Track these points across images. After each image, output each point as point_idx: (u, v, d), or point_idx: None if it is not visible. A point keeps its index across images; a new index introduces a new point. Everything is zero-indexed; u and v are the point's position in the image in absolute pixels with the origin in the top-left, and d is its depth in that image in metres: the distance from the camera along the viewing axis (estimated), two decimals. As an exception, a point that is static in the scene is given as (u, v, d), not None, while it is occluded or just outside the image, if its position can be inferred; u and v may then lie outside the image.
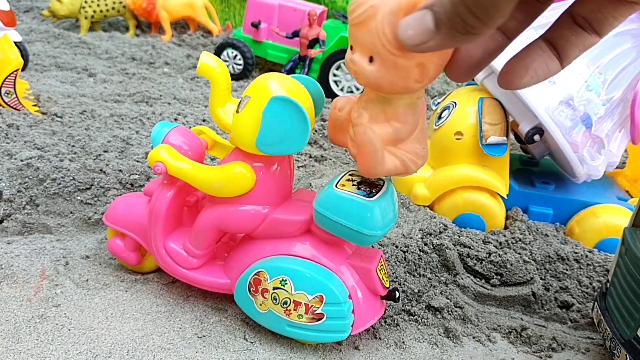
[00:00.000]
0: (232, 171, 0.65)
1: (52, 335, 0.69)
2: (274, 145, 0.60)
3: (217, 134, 0.83)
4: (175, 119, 1.26)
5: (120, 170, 1.00)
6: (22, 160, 0.99)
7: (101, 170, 0.99)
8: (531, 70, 0.40)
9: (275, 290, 0.67)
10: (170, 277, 0.82)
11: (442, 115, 1.03)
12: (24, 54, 1.47)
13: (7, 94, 1.19)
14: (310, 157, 1.21)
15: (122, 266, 0.84)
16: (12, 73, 1.17)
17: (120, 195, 0.97)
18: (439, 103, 1.09)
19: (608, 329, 0.67)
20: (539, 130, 0.93)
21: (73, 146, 1.08)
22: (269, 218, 0.68)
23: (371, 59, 0.48)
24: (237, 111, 0.63)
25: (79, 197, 0.96)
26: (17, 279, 0.79)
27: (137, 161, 1.04)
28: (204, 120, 1.28)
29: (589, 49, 0.40)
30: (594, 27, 0.38)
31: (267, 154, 0.62)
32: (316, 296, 0.66)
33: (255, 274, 0.69)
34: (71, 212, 0.95)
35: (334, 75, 1.53)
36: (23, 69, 1.49)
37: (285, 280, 0.67)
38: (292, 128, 0.58)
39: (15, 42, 1.40)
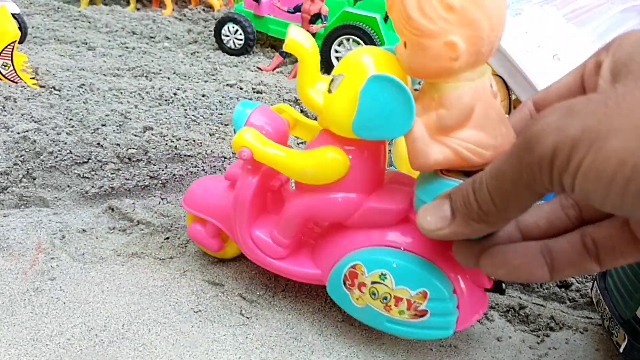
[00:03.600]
0: (325, 156, 0.60)
1: (46, 308, 0.69)
2: (373, 129, 0.53)
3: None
4: (175, 94, 1.25)
5: (117, 144, 0.99)
6: (18, 133, 0.98)
7: (98, 144, 0.98)
8: (513, 268, 0.41)
9: (374, 285, 0.62)
10: (168, 253, 0.82)
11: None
12: (22, 27, 1.46)
13: (4, 66, 1.18)
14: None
15: (119, 241, 0.84)
16: (8, 45, 1.16)
17: (119, 168, 0.97)
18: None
19: (607, 308, 0.67)
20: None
21: (71, 119, 1.07)
22: (363, 207, 0.62)
23: (405, 44, 0.48)
24: (329, 91, 0.57)
25: (76, 171, 0.95)
26: (12, 252, 0.79)
27: (135, 135, 1.02)
28: (203, 96, 1.26)
29: (582, 273, 0.41)
30: (599, 254, 0.38)
31: (364, 138, 0.55)
32: (419, 292, 0.60)
33: (352, 267, 0.63)
34: (68, 186, 0.94)
35: (336, 51, 1.51)
36: (21, 42, 1.47)
37: (385, 274, 0.61)
38: (394, 110, 0.50)
39: (13, 14, 1.39)
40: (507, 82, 0.96)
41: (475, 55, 0.45)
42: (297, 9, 1.51)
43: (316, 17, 1.49)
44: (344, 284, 0.64)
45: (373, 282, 0.62)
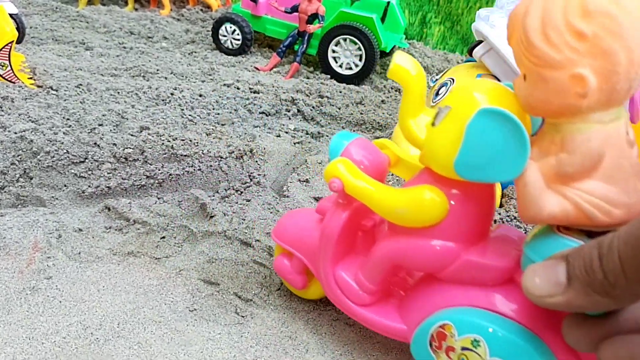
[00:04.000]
0: (421, 196, 0.53)
1: (42, 307, 0.70)
2: (478, 169, 0.47)
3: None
4: (172, 94, 1.25)
5: (114, 144, 0.99)
6: (15, 133, 0.98)
7: (95, 143, 0.99)
8: None
9: (464, 352, 0.54)
10: (164, 252, 0.82)
11: (440, 92, 1.01)
12: (20, 27, 1.46)
13: (2, 66, 1.18)
14: (307, 133, 1.20)
15: (115, 240, 0.84)
16: (6, 45, 1.16)
17: (115, 168, 0.97)
18: (437, 80, 1.08)
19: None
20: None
21: (68, 119, 1.08)
22: (461, 259, 0.54)
23: (525, 77, 0.43)
24: (432, 124, 0.51)
25: (72, 170, 0.95)
26: (9, 251, 0.79)
27: (132, 135, 1.03)
28: (200, 96, 1.26)
29: None
30: None
31: (467, 179, 0.48)
32: None
33: (440, 326, 0.55)
34: (65, 185, 0.95)
35: (333, 51, 1.51)
36: (19, 42, 1.48)
37: (479, 341, 0.52)
38: (504, 148, 0.44)
39: (11, 14, 1.39)
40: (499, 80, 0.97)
41: (609, 93, 0.39)
42: (295, 9, 1.51)
43: (313, 18, 1.49)
44: (430, 344, 0.57)
45: (463, 348, 0.54)
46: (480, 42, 1.01)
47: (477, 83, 0.50)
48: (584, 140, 0.41)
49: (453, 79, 1.01)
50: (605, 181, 0.41)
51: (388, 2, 1.57)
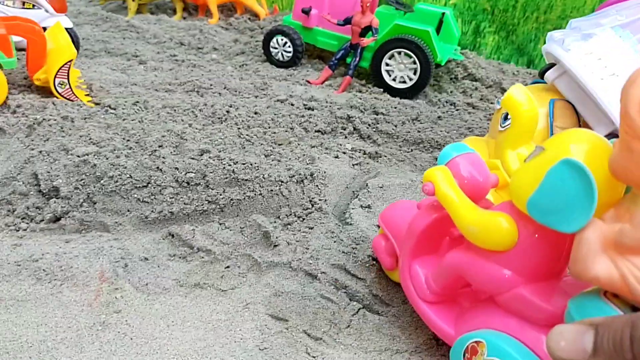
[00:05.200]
0: (494, 222, 0.56)
1: (114, 345, 0.69)
2: (545, 212, 0.49)
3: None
4: (227, 111, 1.24)
5: (176, 168, 0.99)
6: (78, 157, 0.99)
7: (158, 167, 0.98)
8: None
9: None
10: (230, 283, 0.81)
11: (509, 117, 0.98)
12: (75, 41, 1.47)
13: (61, 84, 1.19)
14: (364, 153, 1.17)
15: (180, 269, 0.83)
16: (66, 63, 1.17)
17: (177, 192, 0.96)
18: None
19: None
20: (617, 136, 0.88)
21: (128, 140, 1.08)
22: (514, 291, 0.57)
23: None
24: (525, 159, 0.54)
25: (135, 195, 0.95)
26: (77, 282, 0.79)
27: (193, 158, 1.02)
28: (255, 113, 1.25)
29: None
30: None
31: (535, 219, 0.50)
32: None
33: (475, 342, 0.60)
34: (128, 210, 0.95)
35: (387, 64, 1.48)
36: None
37: None
38: (573, 201, 0.45)
39: (66, 29, 1.40)
40: (577, 109, 0.93)
41: None
42: (347, 21, 1.49)
43: (366, 30, 1.47)
44: (464, 355, 0.61)
45: None
46: (552, 65, 0.97)
47: (578, 134, 0.50)
48: None
49: (523, 103, 0.97)
50: None
51: (443, 13, 1.53)
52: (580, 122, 0.93)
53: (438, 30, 1.55)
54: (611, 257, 0.42)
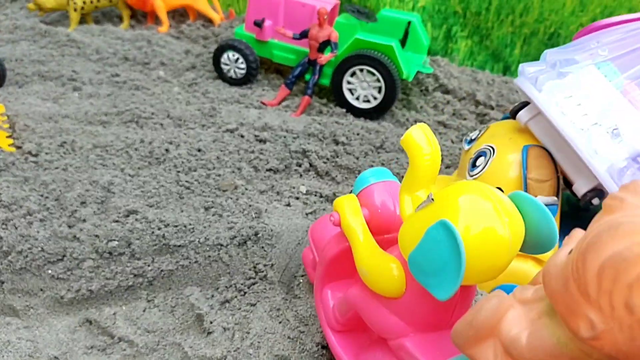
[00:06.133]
0: (385, 266, 0.54)
1: None
2: (421, 272, 0.46)
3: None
4: (167, 150, 1.11)
5: (96, 236, 0.85)
6: (-17, 227, 0.85)
7: (74, 237, 0.85)
8: None
9: None
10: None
11: (477, 164, 0.85)
12: (0, 70, 1.32)
13: (-26, 129, 1.04)
14: (321, 196, 1.04)
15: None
16: (-24, 107, 1.02)
17: (98, 265, 0.84)
18: (472, 140, 0.91)
19: None
20: (599, 192, 0.76)
21: (46, 198, 0.94)
22: (400, 340, 0.55)
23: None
24: (416, 208, 0.50)
25: (49, 271, 0.82)
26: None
27: (117, 221, 0.89)
28: (199, 151, 1.11)
29: None
30: None
31: (414, 277, 0.47)
32: None
33: None
34: (41, 290, 0.82)
35: (348, 82, 1.34)
36: (0, 86, 1.34)
37: None
38: (443, 267, 0.43)
39: (-13, 57, 1.25)
40: (554, 156, 0.81)
41: (609, 352, 0.33)
42: (304, 34, 1.34)
43: (325, 45, 1.32)
44: None
45: None
46: (526, 103, 0.84)
47: (473, 187, 0.46)
48: (552, 353, 0.36)
49: (493, 148, 0.84)
50: None
51: (409, 22, 1.39)
52: (559, 172, 0.80)
53: (404, 40, 1.41)
54: (494, 349, 0.39)
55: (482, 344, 0.40)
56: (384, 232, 0.60)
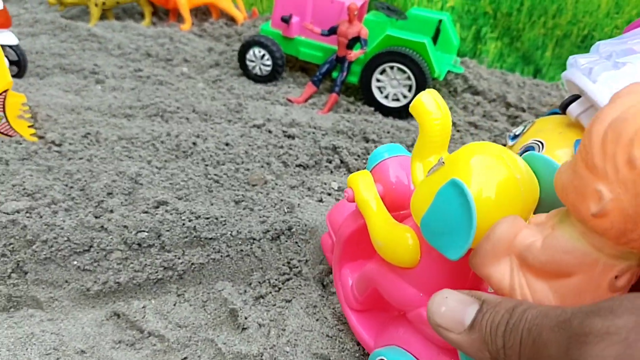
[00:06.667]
0: (400, 236, 0.52)
1: None
2: (433, 234, 0.45)
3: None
4: (194, 143, 1.07)
5: (125, 226, 0.82)
6: (7, 214, 0.82)
7: (102, 227, 0.81)
8: None
9: None
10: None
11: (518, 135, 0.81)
12: (21, 59, 1.29)
13: (-3, 117, 1.01)
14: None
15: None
16: (0, 94, 0.99)
17: (126, 257, 0.80)
18: (516, 136, 0.87)
19: None
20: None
21: (71, 188, 0.90)
22: (417, 311, 0.54)
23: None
24: (428, 172, 0.49)
25: (75, 262, 0.79)
26: (-8, 391, 0.63)
27: (146, 212, 0.85)
28: (226, 145, 1.08)
29: None
30: None
31: (427, 240, 0.46)
32: None
33: (380, 359, 0.59)
34: (66, 282, 0.78)
35: (378, 80, 1.31)
36: (21, 76, 1.31)
37: None
38: (454, 226, 0.41)
39: (11, 47, 1.22)
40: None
41: (620, 232, 0.32)
42: (333, 31, 1.31)
43: (354, 41, 1.29)
44: None
45: None
46: (576, 97, 0.80)
47: (485, 148, 0.44)
48: (565, 248, 0.36)
49: (542, 143, 0.80)
50: (554, 294, 0.37)
51: (440, 20, 1.36)
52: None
53: (435, 39, 1.38)
54: (511, 264, 0.39)
55: (498, 262, 0.39)
56: (399, 207, 0.59)
